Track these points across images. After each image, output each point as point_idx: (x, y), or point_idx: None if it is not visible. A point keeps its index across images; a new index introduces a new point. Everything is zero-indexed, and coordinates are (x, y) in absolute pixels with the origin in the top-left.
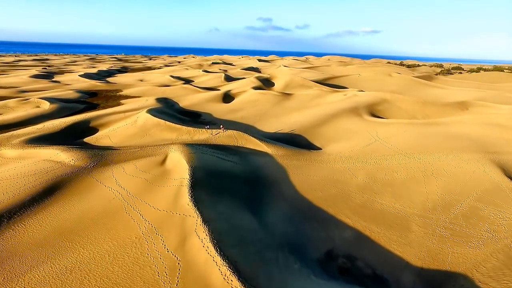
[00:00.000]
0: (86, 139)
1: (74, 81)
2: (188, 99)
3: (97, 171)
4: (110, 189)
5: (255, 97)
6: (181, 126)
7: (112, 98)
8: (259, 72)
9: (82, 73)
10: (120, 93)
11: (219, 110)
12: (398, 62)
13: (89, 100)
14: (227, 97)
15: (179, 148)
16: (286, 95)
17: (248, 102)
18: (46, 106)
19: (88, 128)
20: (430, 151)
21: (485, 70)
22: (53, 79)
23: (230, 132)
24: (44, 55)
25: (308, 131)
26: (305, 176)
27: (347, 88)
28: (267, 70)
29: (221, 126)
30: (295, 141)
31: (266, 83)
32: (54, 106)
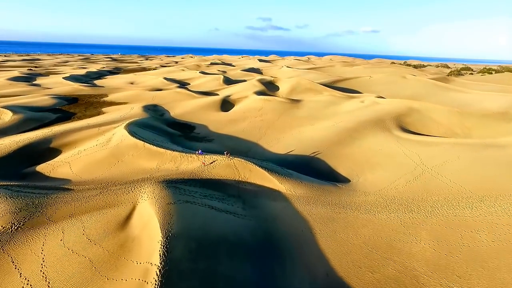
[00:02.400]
0: (40, 167)
1: (56, 84)
2: (181, 106)
3: (19, 241)
4: (27, 284)
5: (259, 105)
6: (164, 150)
7: (94, 105)
8: (260, 73)
9: (67, 75)
10: (105, 98)
11: (217, 120)
12: (402, 62)
13: (65, 108)
14: (226, 104)
15: (155, 193)
16: (294, 101)
17: (251, 111)
18: (7, 117)
19: (47, 150)
20: None
21: (495, 70)
22: (34, 82)
23: (229, 161)
24: (36, 55)
25: (328, 152)
26: (340, 238)
27: (360, 92)
28: (269, 71)
29: (226, 152)
30: (313, 167)
31: (270, 87)
32: (17, 117)
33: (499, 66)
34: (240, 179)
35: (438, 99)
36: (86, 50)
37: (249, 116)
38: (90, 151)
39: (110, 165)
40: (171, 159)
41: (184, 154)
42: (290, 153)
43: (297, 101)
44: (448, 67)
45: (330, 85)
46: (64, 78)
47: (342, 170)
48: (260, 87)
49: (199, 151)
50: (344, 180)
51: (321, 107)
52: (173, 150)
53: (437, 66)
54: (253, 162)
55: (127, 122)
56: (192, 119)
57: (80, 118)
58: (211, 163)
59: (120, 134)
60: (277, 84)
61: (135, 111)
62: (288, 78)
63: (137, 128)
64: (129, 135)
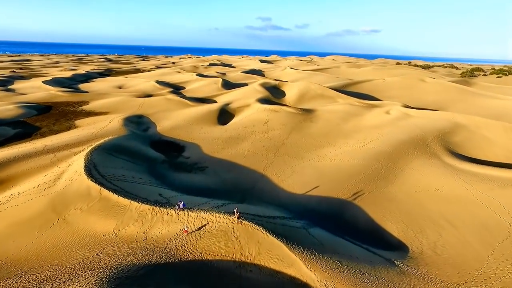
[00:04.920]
0: None
1: (33, 89)
2: (172, 117)
3: None
4: None
5: (263, 116)
6: (129, 201)
7: (68, 115)
8: (262, 75)
9: (49, 78)
10: (84, 107)
11: (212, 137)
12: (406, 62)
13: (31, 120)
14: (225, 114)
15: None
16: (305, 112)
17: (254, 125)
18: None
19: None
20: None
21: (507, 71)
22: (9, 87)
23: (227, 226)
24: (28, 55)
25: (365, 192)
26: None
27: (376, 98)
28: (272, 73)
29: (235, 209)
30: (348, 219)
31: (274, 92)
32: None
33: (505, 66)
34: (242, 259)
35: (469, 107)
36: (84, 50)
37: (253, 131)
38: (24, 198)
39: (44, 228)
40: (137, 218)
41: (157, 209)
42: (311, 192)
43: (309, 111)
44: (456, 67)
45: (341, 90)
46: (44, 82)
47: (391, 225)
48: (263, 92)
49: (181, 204)
50: (399, 246)
51: (340, 120)
52: (142, 202)
53: (444, 67)
54: (263, 227)
55: (93, 146)
56: (182, 136)
57: (43, 135)
58: (199, 229)
59: (74, 169)
60: (282, 89)
61: (113, 125)
62: (294, 82)
63: (104, 156)
64: (83, 172)
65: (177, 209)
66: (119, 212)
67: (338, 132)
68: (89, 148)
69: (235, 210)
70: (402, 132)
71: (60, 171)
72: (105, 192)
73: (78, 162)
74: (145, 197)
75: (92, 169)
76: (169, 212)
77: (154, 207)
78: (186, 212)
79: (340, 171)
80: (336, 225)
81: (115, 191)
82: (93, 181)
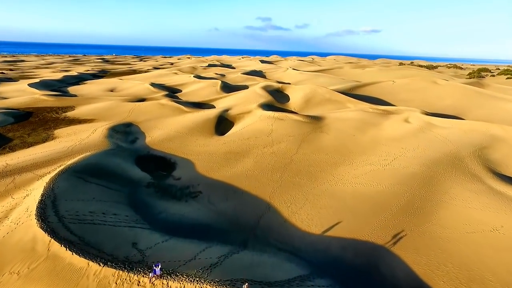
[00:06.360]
0: None
1: (17, 92)
2: (164, 125)
3: None
4: None
5: (267, 126)
6: (87, 261)
7: (48, 124)
8: (263, 76)
9: (37, 80)
10: (68, 113)
11: (209, 152)
12: (409, 62)
13: (5, 129)
14: (223, 122)
15: None
16: (314, 120)
17: (257, 136)
18: None
19: None
20: None
21: None
22: None
23: None
24: (23, 56)
25: (401, 233)
26: None
27: (386, 101)
28: (273, 74)
29: (245, 286)
30: (383, 275)
31: (278, 96)
32: None
33: (509, 66)
34: None
35: (492, 113)
36: (83, 51)
37: (255, 144)
38: None
39: None
40: (97, 286)
41: (125, 274)
42: (332, 232)
43: (318, 119)
44: (461, 68)
45: (350, 93)
46: (29, 84)
47: (443, 286)
48: (266, 97)
49: (157, 269)
50: None
51: (355, 130)
52: (105, 262)
53: (448, 67)
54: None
55: (62, 168)
56: (174, 149)
57: (12, 150)
58: None
59: (27, 205)
60: (286, 93)
61: (96, 136)
62: (299, 85)
63: (73, 182)
64: (34, 212)
65: (152, 277)
66: (71, 280)
67: (354, 145)
68: (56, 171)
69: (245, 286)
70: (430, 147)
71: (12, 205)
72: (56, 246)
73: (36, 192)
74: (112, 251)
75: (48, 206)
76: (141, 281)
77: (121, 272)
78: (164, 282)
79: (365, 201)
80: (369, 284)
81: (70, 244)
82: (43, 228)
